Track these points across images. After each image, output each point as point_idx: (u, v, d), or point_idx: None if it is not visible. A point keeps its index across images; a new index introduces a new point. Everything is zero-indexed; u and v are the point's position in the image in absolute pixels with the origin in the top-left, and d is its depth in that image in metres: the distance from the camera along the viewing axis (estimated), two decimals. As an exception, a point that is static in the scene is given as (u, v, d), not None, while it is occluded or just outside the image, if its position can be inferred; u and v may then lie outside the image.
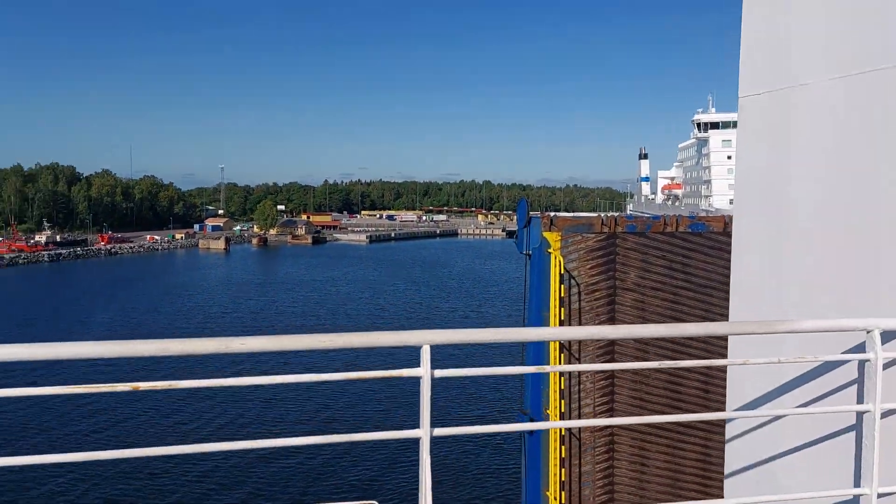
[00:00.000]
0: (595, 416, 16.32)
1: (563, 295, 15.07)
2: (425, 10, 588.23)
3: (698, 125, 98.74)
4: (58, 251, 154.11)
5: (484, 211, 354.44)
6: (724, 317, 16.96)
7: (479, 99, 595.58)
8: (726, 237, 16.94)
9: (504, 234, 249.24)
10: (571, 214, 19.54)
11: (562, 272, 15.09)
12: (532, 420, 16.41)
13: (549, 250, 15.65)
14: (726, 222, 16.87)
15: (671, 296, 16.63)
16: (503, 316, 78.86)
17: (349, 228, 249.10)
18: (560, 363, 15.53)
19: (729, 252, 16.90)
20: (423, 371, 3.65)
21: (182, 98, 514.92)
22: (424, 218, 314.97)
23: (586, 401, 16.27)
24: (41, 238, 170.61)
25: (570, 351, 15.78)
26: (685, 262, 16.69)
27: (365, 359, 52.72)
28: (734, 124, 72.95)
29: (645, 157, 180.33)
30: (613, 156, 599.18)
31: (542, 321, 15.91)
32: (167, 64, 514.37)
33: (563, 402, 15.48)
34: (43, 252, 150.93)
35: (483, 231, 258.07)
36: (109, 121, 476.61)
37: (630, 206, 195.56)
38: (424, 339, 3.67)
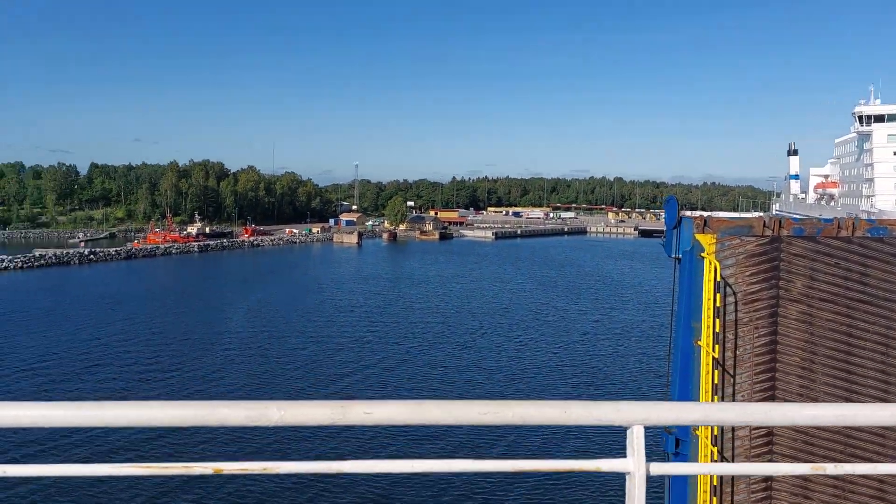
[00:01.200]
0: (751, 448, 14.73)
1: (718, 304, 13.65)
2: (554, 2, 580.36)
3: (860, 118, 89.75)
4: (206, 242, 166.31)
5: (614, 208, 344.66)
6: (912, 336, 14.78)
7: (610, 93, 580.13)
8: (914, 244, 14.75)
9: (636, 232, 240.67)
10: (727, 215, 17.79)
11: (717, 279, 13.67)
12: (678, 441, 15.08)
13: (703, 254, 14.25)
14: (914, 227, 14.68)
15: (845, 309, 14.69)
16: (638, 321, 75.69)
17: (475, 225, 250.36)
18: (712, 379, 14.12)
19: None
20: (633, 464, 2.52)
21: (322, 98, 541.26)
22: (552, 215, 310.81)
23: (741, 432, 14.71)
24: (192, 230, 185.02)
25: (725, 366, 14.31)
26: (862, 270, 14.68)
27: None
28: (906, 115, 64.92)
29: (794, 153, 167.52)
30: (754, 152, 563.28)
31: (693, 332, 14.54)
32: (309, 66, 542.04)
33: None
34: (193, 243, 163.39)
35: (614, 229, 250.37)
36: (255, 120, 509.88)
37: (776, 206, 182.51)
38: (633, 416, 2.50)
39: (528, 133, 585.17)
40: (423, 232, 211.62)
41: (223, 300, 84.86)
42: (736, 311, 14.48)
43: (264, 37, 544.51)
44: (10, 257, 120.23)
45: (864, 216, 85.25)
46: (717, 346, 13.85)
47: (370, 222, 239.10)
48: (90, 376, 50.49)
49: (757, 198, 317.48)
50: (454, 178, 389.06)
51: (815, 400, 14.89)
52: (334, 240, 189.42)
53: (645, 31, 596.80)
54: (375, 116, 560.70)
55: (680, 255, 14.87)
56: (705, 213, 15.01)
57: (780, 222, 14.64)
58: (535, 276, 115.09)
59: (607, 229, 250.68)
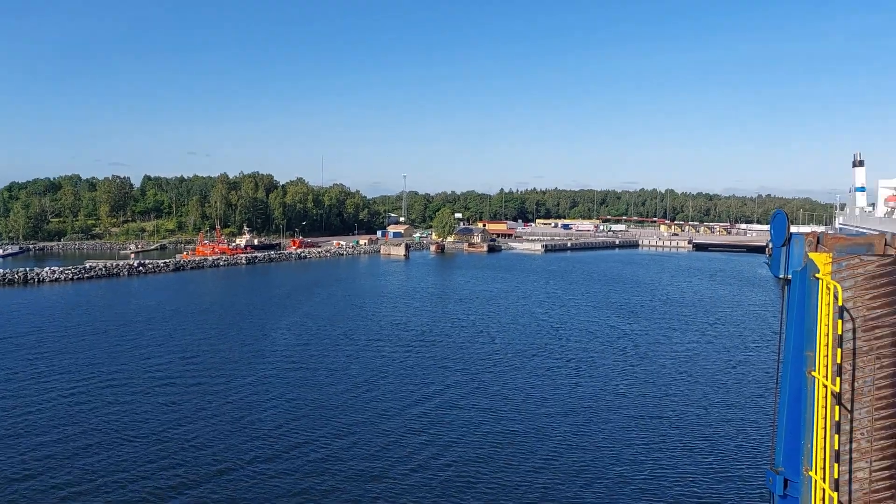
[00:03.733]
0: (873, 482, 13.30)
1: (839, 332, 12.34)
2: (610, 12, 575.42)
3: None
4: (254, 254, 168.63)
5: (666, 221, 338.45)
6: None
7: (659, 103, 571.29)
8: None
9: (691, 246, 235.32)
10: (841, 231, 16.30)
11: (837, 303, 12.37)
12: (787, 482, 13.73)
13: (818, 275, 12.94)
14: None
15: (980, 338, 13.16)
16: (704, 343, 72.90)
17: (524, 237, 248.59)
18: (828, 415, 12.77)
19: None
20: None
21: (372, 110, 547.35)
22: (602, 227, 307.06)
23: (860, 464, 13.30)
24: (241, 241, 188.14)
25: (842, 400, 12.94)
26: None
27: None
28: None
29: (860, 164, 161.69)
30: (812, 162, 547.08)
31: (806, 362, 13.21)
32: (358, 80, 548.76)
33: (835, 464, 12.68)
34: (241, 255, 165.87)
35: (667, 243, 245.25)
36: (305, 131, 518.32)
37: (840, 220, 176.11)
38: None
39: (576, 145, 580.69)
40: (471, 244, 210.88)
41: (266, 315, 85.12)
42: (854, 338, 13.12)
43: (312, 50, 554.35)
44: (61, 269, 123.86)
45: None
46: (838, 379, 12.53)
47: (418, 234, 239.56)
48: (128, 395, 50.93)
49: (815, 210, 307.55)
50: (502, 189, 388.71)
51: (943, 440, 13.39)
52: (381, 252, 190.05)
53: (698, 48, 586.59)
54: (424, 128, 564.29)
55: (789, 276, 13.58)
56: (818, 231, 13.76)
57: (905, 240, 13.23)
58: (587, 293, 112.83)
59: (660, 242, 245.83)
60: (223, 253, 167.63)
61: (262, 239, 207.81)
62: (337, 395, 50.01)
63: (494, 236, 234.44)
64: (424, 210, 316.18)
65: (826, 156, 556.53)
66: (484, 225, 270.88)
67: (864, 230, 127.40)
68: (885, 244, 13.30)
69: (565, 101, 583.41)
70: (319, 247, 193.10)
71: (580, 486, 34.57)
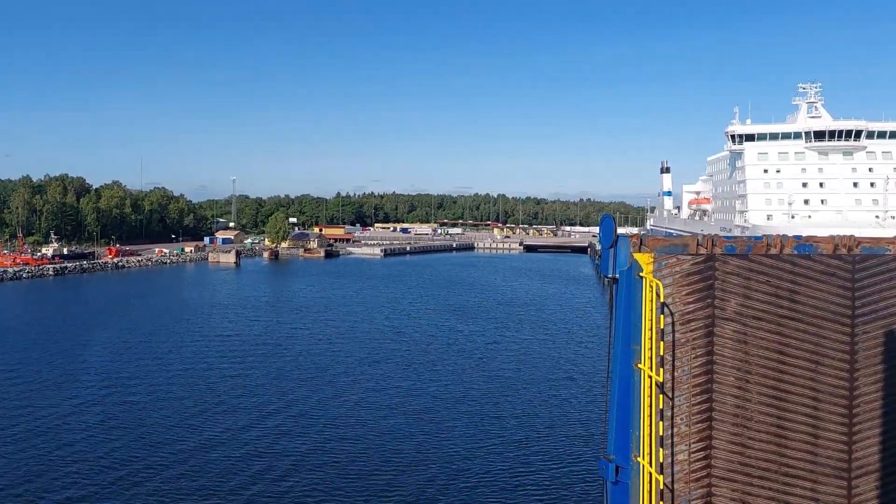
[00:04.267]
0: (691, 462, 14.58)
1: (661, 326, 13.40)
2: (442, 23, 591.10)
3: (732, 137, 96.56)
4: (63, 264, 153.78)
5: (499, 224, 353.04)
6: (839, 352, 15.23)
7: (491, 111, 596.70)
8: (837, 260, 15.22)
9: (522, 248, 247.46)
10: (652, 232, 17.74)
11: (659, 299, 13.43)
12: (618, 468, 14.70)
13: (641, 274, 13.99)
14: (836, 244, 15.18)
15: (776, 326, 14.89)
16: (537, 341, 76.65)
17: (363, 242, 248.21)
18: (653, 403, 13.84)
19: (841, 277, 14.94)
20: None
21: (195, 109, 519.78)
22: (439, 231, 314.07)
23: (680, 447, 14.54)
24: (48, 251, 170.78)
25: (665, 389, 14.08)
26: (791, 287, 14.97)
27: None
28: (772, 136, 70.31)
29: (667, 170, 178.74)
30: (626, 169, 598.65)
31: (633, 355, 14.23)
32: (180, 75, 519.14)
33: (660, 449, 13.73)
34: (48, 265, 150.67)
35: (500, 245, 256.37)
36: (120, 131, 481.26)
37: (650, 221, 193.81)
38: None
39: (413, 149, 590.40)
40: (307, 250, 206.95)
41: (78, 332, 77.70)
42: (673, 331, 14.33)
43: (128, 43, 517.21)
44: None
45: (738, 231, 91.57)
46: (661, 370, 13.59)
47: (249, 240, 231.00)
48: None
49: (629, 213, 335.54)
50: (339, 193, 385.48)
51: (749, 420, 14.99)
52: (210, 259, 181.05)
53: (521, 53, 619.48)
54: (254, 130, 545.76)
55: (617, 276, 14.57)
56: (641, 233, 14.94)
57: (714, 241, 14.68)
58: (429, 296, 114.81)
59: (494, 245, 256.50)
60: (26, 263, 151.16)
61: (73, 247, 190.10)
62: (162, 419, 46.22)
63: (332, 241, 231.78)
64: (256, 215, 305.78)
65: (638, 163, 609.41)
66: (320, 229, 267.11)
67: (672, 231, 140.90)
68: (698, 244, 14.67)
69: (401, 105, 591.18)
70: (139, 255, 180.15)
71: (423, 484, 34.92)
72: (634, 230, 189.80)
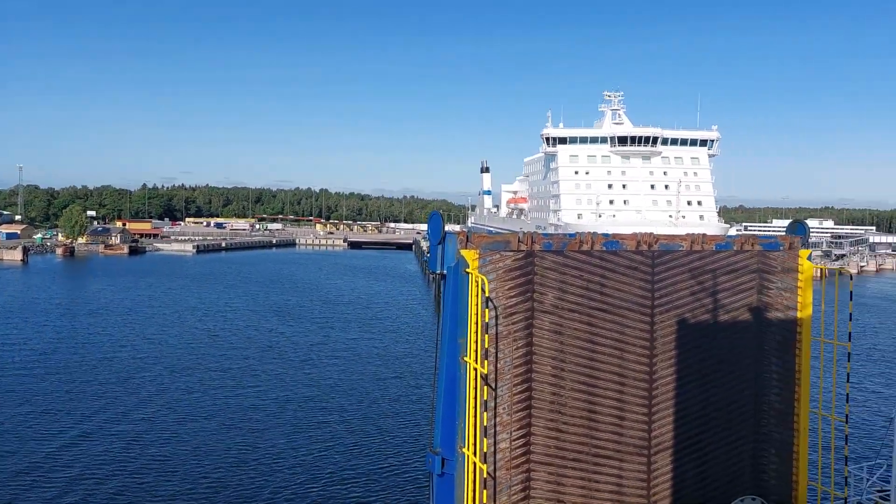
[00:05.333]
0: (512, 450, 15.46)
1: (486, 320, 14.07)
2: (264, 9, 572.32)
3: (547, 139, 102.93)
4: None
5: (322, 220, 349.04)
6: (640, 339, 16.86)
7: (313, 104, 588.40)
8: (639, 256, 16.86)
9: (346, 244, 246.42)
10: (473, 229, 18.55)
11: (484, 294, 14.09)
12: (444, 461, 15.22)
13: (468, 270, 14.60)
14: (638, 241, 16.78)
15: (587, 318, 16.21)
16: (364, 341, 76.66)
17: (172, 237, 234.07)
18: (478, 395, 14.50)
19: (642, 271, 16.63)
20: None
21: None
22: (258, 226, 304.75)
23: (502, 435, 15.38)
24: None
25: (488, 380, 14.80)
26: (601, 281, 16.36)
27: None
28: (582, 140, 75.89)
29: (486, 170, 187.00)
30: (448, 168, 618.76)
31: (459, 349, 14.79)
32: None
33: (484, 439, 14.41)
34: None
35: (323, 241, 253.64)
36: None
37: (472, 219, 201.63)
38: None
39: (227, 140, 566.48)
40: (108, 246, 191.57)
41: None
42: (497, 324, 15.11)
43: None
44: None
45: (552, 229, 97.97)
46: (485, 362, 14.25)
47: (40, 235, 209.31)
48: None
49: (451, 211, 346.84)
50: (145, 185, 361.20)
51: (564, 406, 16.19)
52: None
53: (347, 48, 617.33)
54: (45, 112, 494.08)
55: (444, 272, 15.08)
56: (467, 229, 15.57)
57: (533, 238, 15.65)
58: (246, 295, 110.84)
59: (317, 241, 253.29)
60: None
61: None
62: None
63: (137, 236, 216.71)
64: (48, 207, 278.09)
65: (460, 163, 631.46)
66: (124, 224, 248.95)
67: (491, 228, 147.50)
68: (519, 241, 15.60)
69: (212, 94, 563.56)
70: None
71: (245, 500, 33.75)
72: (457, 227, 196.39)
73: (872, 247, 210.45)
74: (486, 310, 14.08)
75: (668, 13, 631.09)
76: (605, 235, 16.70)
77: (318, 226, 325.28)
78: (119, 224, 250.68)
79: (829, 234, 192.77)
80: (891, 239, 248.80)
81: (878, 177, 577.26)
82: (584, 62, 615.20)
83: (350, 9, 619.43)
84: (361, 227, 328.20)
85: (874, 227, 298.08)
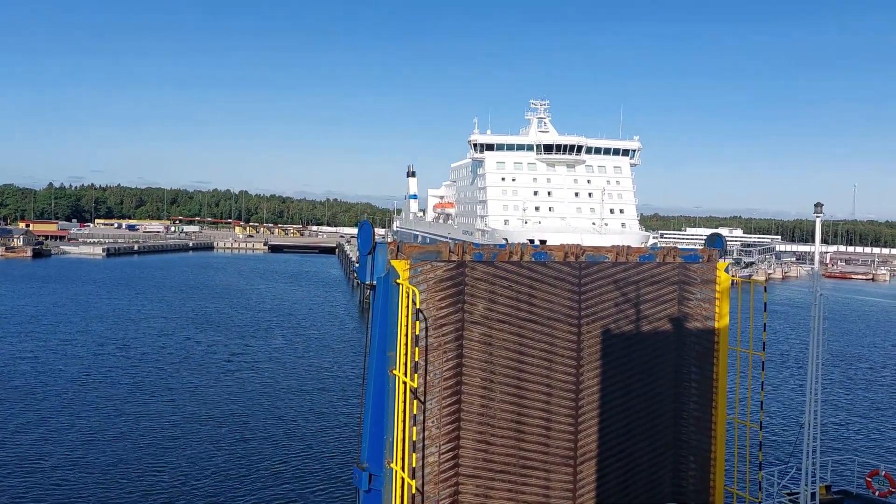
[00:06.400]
0: (441, 464, 15.48)
1: (417, 332, 14.05)
2: (186, 12, 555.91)
3: (474, 146, 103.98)
4: None
5: (241, 223, 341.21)
6: (568, 350, 17.18)
7: (232, 104, 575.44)
8: (567, 267, 17.21)
9: (266, 248, 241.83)
10: (398, 234, 18.53)
11: (415, 306, 14.08)
12: (371, 476, 15.08)
13: (398, 281, 14.55)
14: (566, 252, 17.12)
15: (517, 329, 16.42)
16: (287, 351, 75.03)
17: (80, 240, 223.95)
18: (407, 409, 14.46)
19: (570, 282, 16.99)
20: None
21: None
22: (173, 229, 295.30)
23: (431, 449, 15.36)
24: None
25: (417, 394, 14.78)
26: (530, 292, 16.61)
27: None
28: (509, 146, 77.30)
29: (413, 174, 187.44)
30: (372, 171, 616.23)
31: (388, 362, 14.70)
32: None
33: (413, 454, 14.36)
34: None
35: (242, 245, 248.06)
36: None
37: (397, 223, 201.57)
38: None
39: (140, 139, 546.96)
40: (9, 248, 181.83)
41: None
42: (427, 336, 15.10)
43: None
44: None
45: (479, 234, 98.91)
46: (415, 375, 14.23)
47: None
48: None
49: (376, 214, 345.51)
50: (51, 184, 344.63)
51: (493, 418, 16.33)
52: None
53: (273, 49, 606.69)
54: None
55: (374, 282, 14.97)
56: (397, 239, 15.46)
57: (464, 248, 15.74)
58: (160, 301, 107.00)
59: (236, 244, 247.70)
60: None
61: None
62: None
63: (42, 238, 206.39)
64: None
65: (384, 166, 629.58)
66: (28, 225, 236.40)
67: (416, 232, 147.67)
68: (450, 251, 15.67)
69: (125, 92, 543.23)
70: None
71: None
72: (381, 231, 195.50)
73: (778, 255, 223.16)
74: (417, 322, 14.07)
75: (597, 24, 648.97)
76: (535, 246, 16.97)
77: (237, 228, 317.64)
78: (22, 225, 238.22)
79: (738, 243, 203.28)
80: (795, 248, 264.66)
81: (781, 188, 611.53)
82: (512, 69, 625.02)
83: (281, 4, 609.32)
84: (283, 230, 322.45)
85: (779, 237, 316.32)
